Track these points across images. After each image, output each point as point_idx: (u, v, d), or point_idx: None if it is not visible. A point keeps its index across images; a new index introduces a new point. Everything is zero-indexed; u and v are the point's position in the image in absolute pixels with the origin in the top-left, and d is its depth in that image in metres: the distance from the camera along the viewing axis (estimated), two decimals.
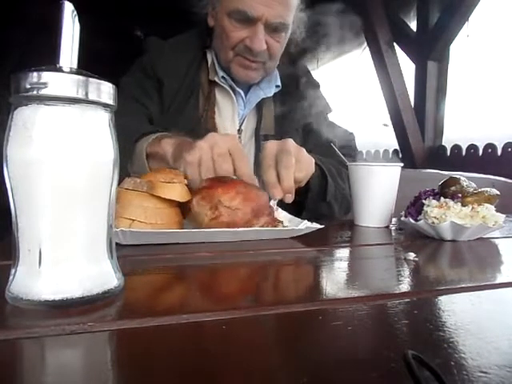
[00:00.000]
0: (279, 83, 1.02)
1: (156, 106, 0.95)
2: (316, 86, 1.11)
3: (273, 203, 0.70)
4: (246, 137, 1.01)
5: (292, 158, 0.71)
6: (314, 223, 0.66)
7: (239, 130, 1.00)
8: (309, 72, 1.12)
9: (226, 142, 0.69)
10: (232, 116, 0.99)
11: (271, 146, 0.74)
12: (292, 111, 1.02)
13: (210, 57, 1.00)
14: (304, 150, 0.76)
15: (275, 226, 0.64)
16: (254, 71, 0.94)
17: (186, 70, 0.96)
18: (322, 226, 0.66)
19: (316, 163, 0.82)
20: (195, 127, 0.94)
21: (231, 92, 0.98)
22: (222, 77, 0.96)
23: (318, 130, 1.06)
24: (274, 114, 1.02)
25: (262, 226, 0.63)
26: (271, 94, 1.00)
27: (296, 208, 0.76)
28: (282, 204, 0.73)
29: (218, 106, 0.99)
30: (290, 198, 0.71)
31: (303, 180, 0.75)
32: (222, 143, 0.68)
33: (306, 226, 0.65)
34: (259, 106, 1.01)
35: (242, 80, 0.96)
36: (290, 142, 0.74)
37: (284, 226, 0.66)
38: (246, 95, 1.00)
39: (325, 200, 0.88)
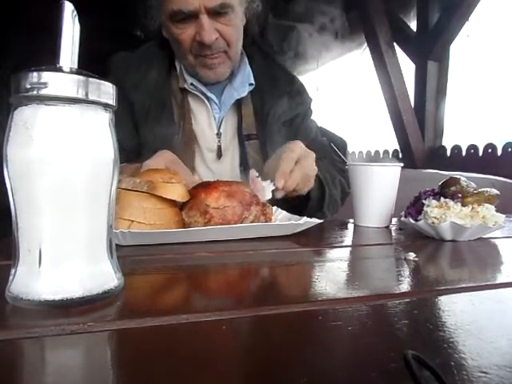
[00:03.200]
0: (252, 81, 0.98)
1: (124, 136, 0.89)
2: (291, 77, 1.06)
3: (267, 184, 0.70)
4: (227, 139, 0.98)
5: (310, 169, 0.76)
6: (314, 218, 0.67)
7: (218, 134, 0.97)
8: (282, 64, 1.06)
9: (158, 163, 0.71)
10: (208, 121, 0.97)
11: (298, 145, 0.77)
12: (272, 108, 0.98)
13: (178, 64, 0.97)
14: (317, 169, 0.79)
15: (266, 214, 0.66)
16: (219, 66, 0.90)
17: (155, 82, 0.93)
18: (322, 221, 0.67)
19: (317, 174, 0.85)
20: (174, 138, 0.92)
21: (203, 97, 0.95)
22: (191, 83, 0.93)
23: (304, 126, 1.04)
24: (253, 112, 0.99)
25: (255, 216, 0.64)
26: (245, 94, 0.97)
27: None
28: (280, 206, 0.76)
29: (192, 113, 0.96)
30: (280, 195, 0.72)
31: (298, 192, 0.78)
32: (156, 166, 0.70)
33: (305, 221, 0.65)
34: (238, 106, 0.99)
35: (212, 80, 0.92)
36: (313, 155, 0.78)
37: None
38: (220, 97, 0.97)
39: (321, 210, 0.90)
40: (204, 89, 0.94)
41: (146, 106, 0.91)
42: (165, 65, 0.96)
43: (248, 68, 0.99)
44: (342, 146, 1.07)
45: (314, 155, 0.78)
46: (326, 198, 0.88)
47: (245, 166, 0.97)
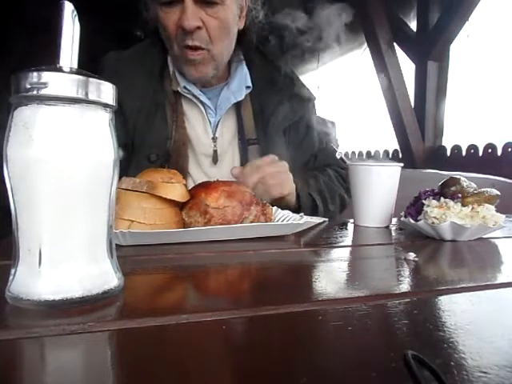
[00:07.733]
0: (250, 84, 0.95)
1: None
2: (291, 79, 1.02)
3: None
4: (224, 143, 0.96)
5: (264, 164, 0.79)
6: (314, 218, 0.67)
7: (214, 138, 0.95)
8: (282, 66, 1.02)
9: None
10: (203, 125, 0.95)
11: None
12: (272, 115, 0.96)
13: (171, 65, 0.94)
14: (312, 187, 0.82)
15: (266, 214, 0.66)
16: (201, 65, 0.86)
17: (147, 84, 0.90)
18: (321, 221, 0.67)
19: (309, 193, 0.88)
20: (166, 142, 0.90)
21: (196, 101, 0.93)
22: (185, 87, 0.90)
23: (309, 136, 1.03)
24: (253, 116, 0.97)
25: (255, 216, 0.64)
26: (242, 97, 0.94)
27: None
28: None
29: (186, 117, 0.94)
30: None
31: (278, 188, 0.79)
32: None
33: (305, 220, 0.65)
34: (237, 109, 0.96)
35: (195, 79, 0.89)
36: (284, 164, 0.81)
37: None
38: (216, 101, 0.94)
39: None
40: (197, 92, 0.92)
41: (137, 110, 0.89)
42: (158, 65, 0.93)
43: (245, 70, 0.97)
44: (331, 131, 1.06)
45: (285, 163, 0.82)
46: (319, 214, 0.88)
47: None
